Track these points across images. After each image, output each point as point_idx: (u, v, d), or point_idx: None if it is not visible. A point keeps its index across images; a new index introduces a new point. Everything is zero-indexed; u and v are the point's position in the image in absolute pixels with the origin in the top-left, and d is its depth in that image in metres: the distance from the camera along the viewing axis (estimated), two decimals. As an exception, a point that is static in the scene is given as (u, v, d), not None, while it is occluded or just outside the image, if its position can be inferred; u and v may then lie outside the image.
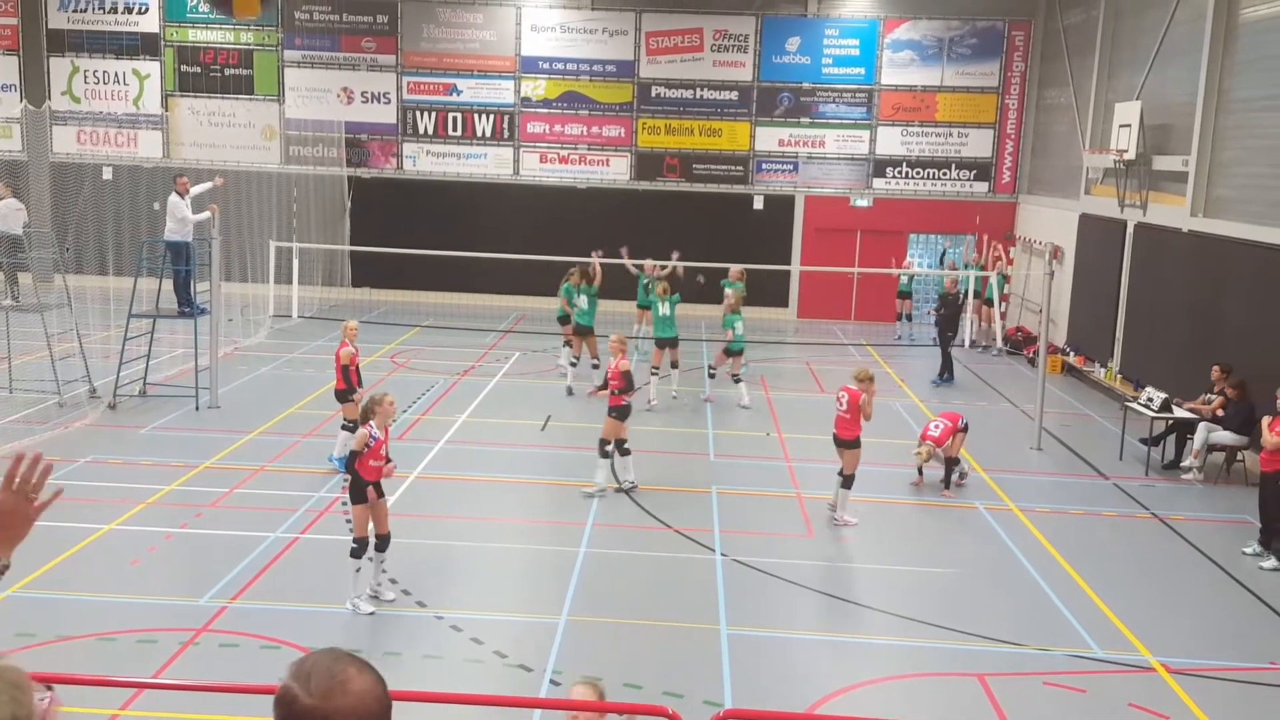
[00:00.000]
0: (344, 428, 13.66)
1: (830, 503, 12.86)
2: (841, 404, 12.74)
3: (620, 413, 13.28)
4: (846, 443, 12.67)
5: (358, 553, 9.92)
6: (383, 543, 10.06)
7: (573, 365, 18.84)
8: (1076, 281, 23.11)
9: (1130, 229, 20.35)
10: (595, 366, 18.46)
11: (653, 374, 18.23)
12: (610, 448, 13.26)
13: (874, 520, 12.80)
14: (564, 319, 19.55)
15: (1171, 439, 15.87)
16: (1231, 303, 16.51)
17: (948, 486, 14.05)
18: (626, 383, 13.25)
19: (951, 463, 14.07)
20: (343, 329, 14.07)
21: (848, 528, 12.55)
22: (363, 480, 9.96)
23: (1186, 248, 17.99)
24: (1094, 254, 22.25)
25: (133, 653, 8.91)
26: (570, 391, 18.32)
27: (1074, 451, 16.44)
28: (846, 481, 12.66)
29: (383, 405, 10.18)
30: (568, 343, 19.33)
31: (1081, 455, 16.24)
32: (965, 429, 14.30)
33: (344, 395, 13.76)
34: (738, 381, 18.22)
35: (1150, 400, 16.08)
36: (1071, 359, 22.37)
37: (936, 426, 14.25)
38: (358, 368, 13.91)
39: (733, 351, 18.24)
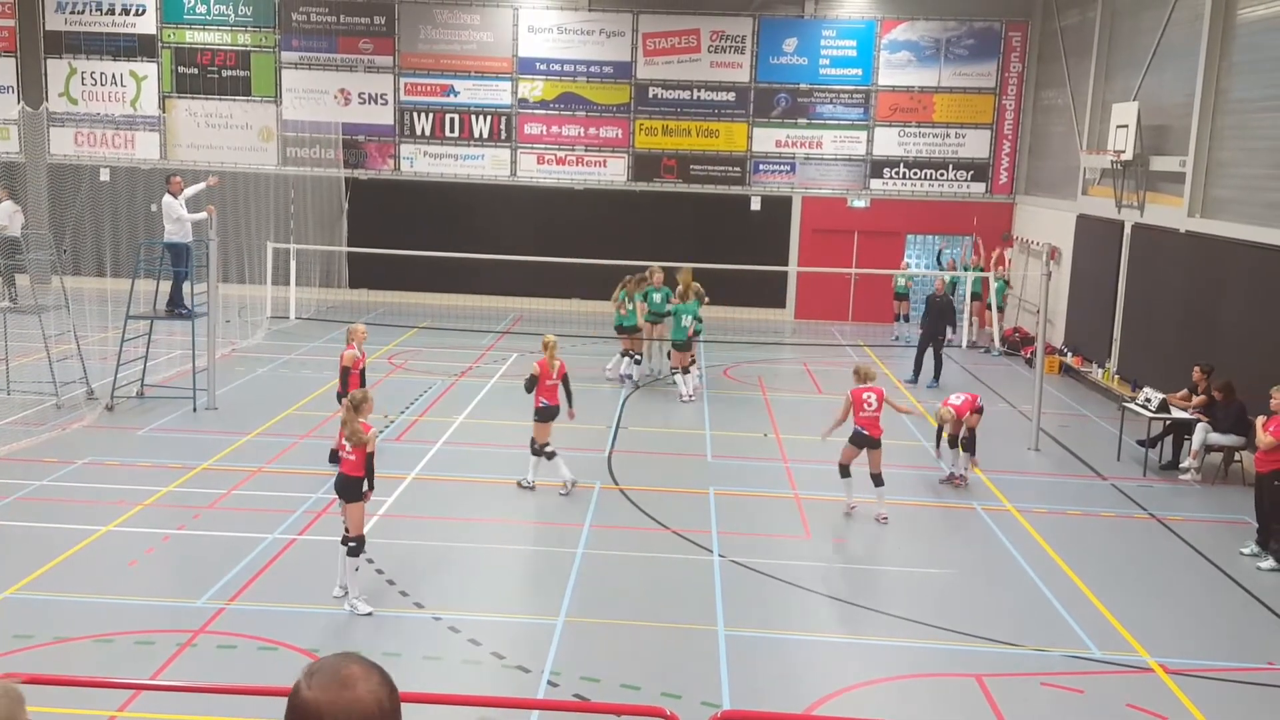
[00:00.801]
0: None
1: (879, 515, 12.88)
2: (872, 405, 12.80)
3: (540, 414, 13.26)
4: (879, 442, 12.87)
5: (356, 551, 9.95)
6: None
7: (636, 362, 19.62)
8: (1074, 282, 23.13)
9: (1128, 229, 20.37)
10: (637, 361, 19.52)
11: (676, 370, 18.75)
12: (549, 449, 13.28)
13: (871, 521, 12.79)
14: (628, 328, 19.62)
15: (1169, 440, 15.89)
16: (1229, 303, 16.54)
17: (973, 453, 14.34)
18: (528, 383, 13.30)
19: (969, 442, 14.32)
20: (349, 332, 14.19)
21: (883, 523, 12.77)
22: (371, 478, 10.09)
23: (1184, 248, 18.01)
24: (1091, 255, 22.27)
25: (131, 654, 8.90)
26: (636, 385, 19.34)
27: (1071, 452, 16.45)
28: (880, 478, 12.90)
29: (369, 401, 10.54)
30: (625, 353, 19.71)
31: (1079, 456, 16.26)
32: (980, 411, 14.66)
33: (342, 397, 13.74)
34: (685, 372, 18.57)
35: (1148, 401, 16.09)
36: (1069, 360, 22.39)
37: (958, 397, 14.66)
38: (361, 371, 13.96)
39: (680, 345, 18.52)
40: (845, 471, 12.98)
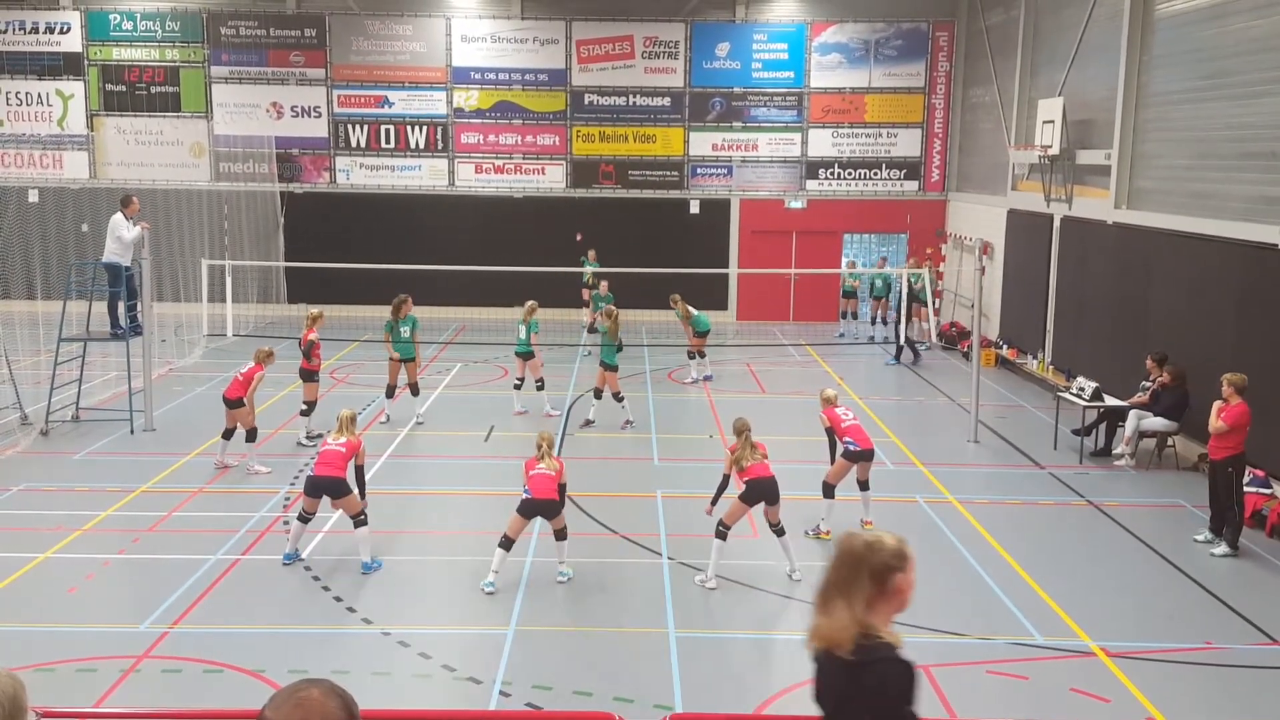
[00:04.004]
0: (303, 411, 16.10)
1: (865, 520, 12.66)
2: (850, 415, 12.65)
3: (523, 508, 11.03)
4: (872, 453, 12.70)
5: (365, 521, 11.33)
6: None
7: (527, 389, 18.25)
8: (1007, 276, 23.53)
9: (1057, 223, 20.77)
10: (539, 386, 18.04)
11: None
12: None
13: (815, 518, 12.87)
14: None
15: (1102, 427, 16.21)
16: (1156, 291, 16.91)
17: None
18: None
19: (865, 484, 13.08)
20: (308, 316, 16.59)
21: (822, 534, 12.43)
22: (363, 489, 11.69)
23: (1112, 239, 18.39)
24: (1023, 248, 22.67)
25: (72, 682, 8.74)
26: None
27: (1010, 443, 16.73)
28: (867, 484, 12.75)
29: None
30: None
31: (1017, 446, 16.54)
32: (854, 458, 12.61)
33: (306, 375, 16.21)
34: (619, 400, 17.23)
35: (1081, 390, 16.43)
36: (1004, 352, 22.76)
37: (847, 415, 13.10)
38: (309, 348, 15.99)
39: (610, 366, 17.18)
40: (830, 492, 12.46)
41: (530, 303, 18.30)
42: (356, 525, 11.28)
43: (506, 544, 10.83)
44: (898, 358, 23.03)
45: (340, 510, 11.64)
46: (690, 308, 20.35)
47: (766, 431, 15.80)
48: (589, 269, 25.31)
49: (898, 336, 23.24)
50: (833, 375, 21.27)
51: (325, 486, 11.23)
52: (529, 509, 10.86)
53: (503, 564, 10.84)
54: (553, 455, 11.10)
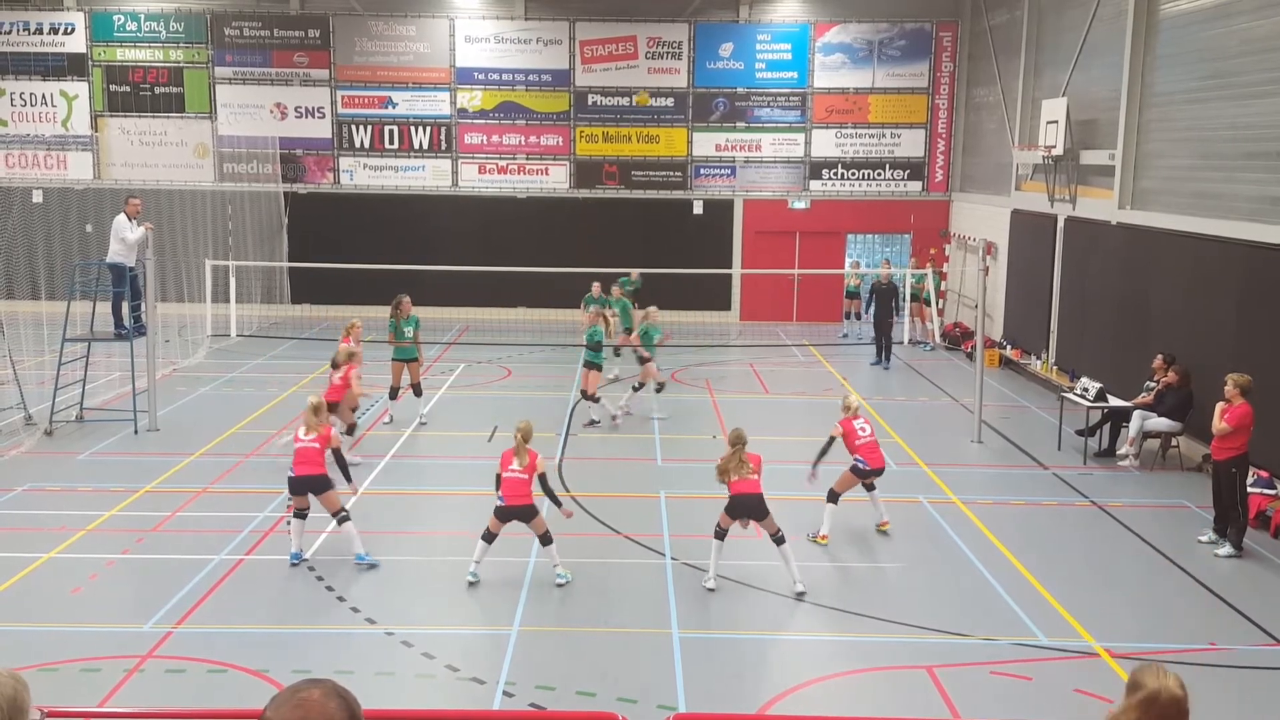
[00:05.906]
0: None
1: (882, 522, 12.66)
2: (866, 431, 12.46)
3: (498, 512, 11.02)
4: (882, 472, 12.56)
5: (348, 518, 11.38)
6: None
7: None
8: (1011, 276, 23.50)
9: (1061, 223, 20.74)
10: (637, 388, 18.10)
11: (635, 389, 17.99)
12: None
13: (819, 518, 12.85)
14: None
15: (1106, 427, 16.18)
16: (1160, 292, 16.89)
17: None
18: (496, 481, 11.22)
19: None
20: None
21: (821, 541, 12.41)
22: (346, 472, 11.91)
23: (1115, 239, 18.37)
24: (1027, 248, 22.64)
25: (77, 682, 8.75)
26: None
27: (1013, 443, 16.71)
28: (873, 485, 12.66)
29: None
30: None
31: (1021, 447, 16.52)
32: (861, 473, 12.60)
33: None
34: (596, 401, 17.37)
35: (1085, 390, 16.41)
36: (1008, 352, 22.74)
37: (864, 429, 13.04)
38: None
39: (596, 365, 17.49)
40: (833, 498, 12.39)
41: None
42: (340, 523, 11.36)
43: (489, 537, 10.97)
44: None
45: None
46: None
47: (770, 432, 15.84)
48: (629, 287, 23.23)
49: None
50: (836, 376, 21.26)
51: (307, 484, 11.33)
52: (504, 515, 10.85)
53: (484, 555, 10.96)
54: (527, 449, 10.88)
